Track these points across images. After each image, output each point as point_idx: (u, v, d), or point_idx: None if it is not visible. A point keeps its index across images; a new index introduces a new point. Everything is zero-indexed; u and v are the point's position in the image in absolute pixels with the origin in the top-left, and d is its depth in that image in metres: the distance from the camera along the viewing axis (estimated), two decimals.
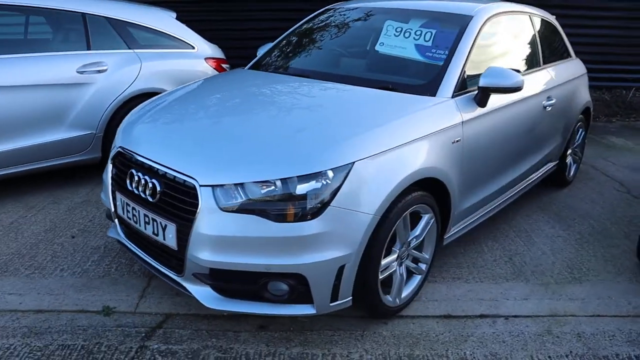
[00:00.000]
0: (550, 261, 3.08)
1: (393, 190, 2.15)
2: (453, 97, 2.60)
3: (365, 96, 2.57)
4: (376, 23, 3.20)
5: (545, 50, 3.69)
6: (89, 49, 3.83)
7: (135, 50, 4.06)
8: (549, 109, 3.44)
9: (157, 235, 2.26)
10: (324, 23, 3.45)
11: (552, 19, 4.00)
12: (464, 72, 2.71)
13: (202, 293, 2.18)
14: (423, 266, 2.60)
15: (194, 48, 4.47)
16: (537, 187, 4.19)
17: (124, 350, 2.24)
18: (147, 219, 2.29)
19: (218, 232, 2.04)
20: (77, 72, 3.70)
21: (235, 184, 2.06)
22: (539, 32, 3.64)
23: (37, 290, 2.66)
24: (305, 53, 3.28)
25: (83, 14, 3.83)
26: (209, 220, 2.05)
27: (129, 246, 2.51)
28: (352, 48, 3.21)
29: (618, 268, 3.04)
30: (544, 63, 3.60)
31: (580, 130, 4.35)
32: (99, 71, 3.81)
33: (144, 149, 2.39)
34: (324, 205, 2.02)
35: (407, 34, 3.02)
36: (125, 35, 4.04)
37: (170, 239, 2.19)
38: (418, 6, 3.19)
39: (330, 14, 3.53)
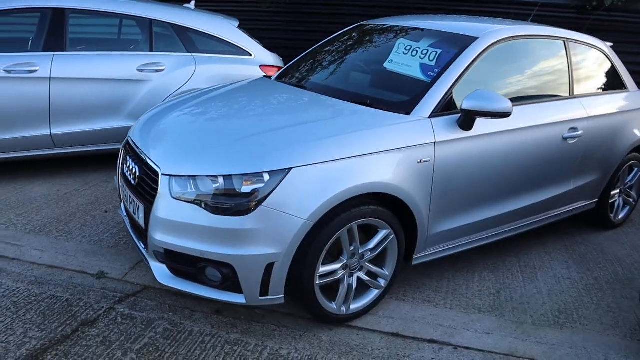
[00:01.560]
0: (540, 301, 2.87)
1: (331, 199, 2.23)
2: (431, 117, 2.59)
3: (338, 109, 2.66)
4: (394, 41, 3.25)
5: (582, 79, 3.42)
6: (151, 50, 4.36)
7: (193, 54, 4.52)
8: (572, 141, 3.19)
9: (135, 214, 2.58)
10: (349, 39, 3.58)
11: (602, 46, 3.69)
12: (451, 93, 2.67)
13: (159, 269, 2.45)
14: (382, 281, 2.61)
15: (250, 55, 4.84)
16: (575, 226, 3.88)
17: (96, 308, 2.59)
18: (130, 199, 2.63)
19: (168, 217, 2.29)
20: (137, 70, 4.24)
21: (189, 176, 2.29)
22: (575, 59, 3.39)
23: (57, 250, 3.14)
24: (320, 67, 3.43)
25: (150, 20, 4.38)
26: (163, 205, 2.31)
27: (126, 223, 2.87)
28: (364, 64, 3.29)
29: (617, 321, 2.74)
30: (576, 92, 3.34)
31: (636, 169, 3.92)
32: (157, 70, 4.32)
33: (138, 139, 2.74)
34: (258, 203, 2.17)
35: (414, 53, 3.05)
36: (186, 40, 4.52)
37: (141, 218, 2.50)
38: (434, 26, 3.18)
39: (358, 30, 3.63)
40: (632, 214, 4.13)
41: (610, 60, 3.73)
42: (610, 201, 3.80)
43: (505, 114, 2.58)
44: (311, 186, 2.22)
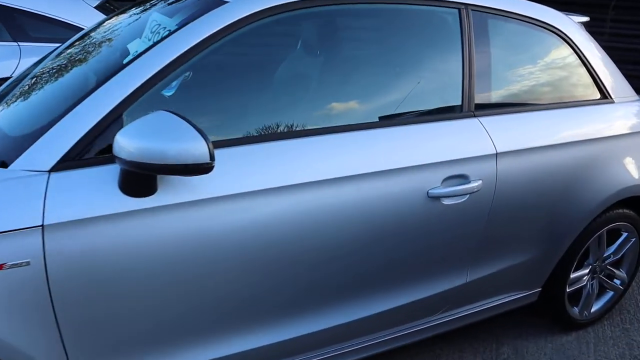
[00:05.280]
0: None
1: None
2: (57, 170, 1.27)
3: None
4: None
5: (496, 83, 1.90)
6: None
7: (20, 43, 3.43)
8: (451, 201, 1.71)
9: None
10: (107, 26, 2.23)
11: (558, 23, 2.08)
12: (121, 117, 1.34)
13: None
14: None
15: None
16: (518, 317, 2.37)
17: None
18: None
19: None
20: None
21: None
22: (481, 47, 1.85)
23: None
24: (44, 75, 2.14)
25: None
26: None
27: None
28: (109, 63, 1.98)
29: None
30: (477, 108, 1.83)
31: (625, 234, 2.32)
32: None
33: None
34: None
35: (157, 37, 1.72)
36: (12, 25, 3.43)
37: None
38: None
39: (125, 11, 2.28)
40: (620, 303, 2.53)
41: (574, 48, 2.14)
42: (569, 289, 2.26)
43: (196, 168, 1.21)
44: None
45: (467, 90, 1.81)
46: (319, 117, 1.58)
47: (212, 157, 1.21)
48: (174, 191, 1.32)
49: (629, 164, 2.19)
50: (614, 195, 2.13)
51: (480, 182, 1.75)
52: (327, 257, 1.55)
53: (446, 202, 1.70)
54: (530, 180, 1.89)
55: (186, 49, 1.41)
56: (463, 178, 1.73)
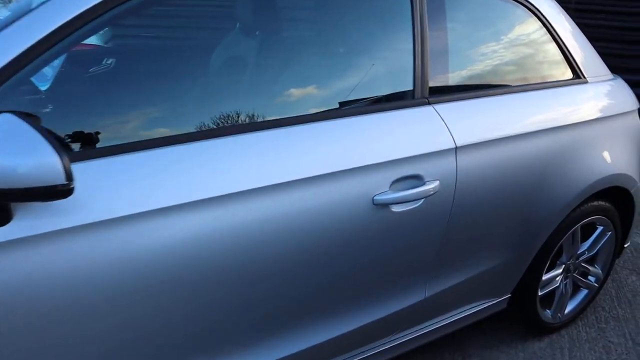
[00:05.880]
0: None
1: None
2: None
3: None
4: None
5: (456, 64, 1.63)
6: None
7: None
8: (404, 207, 1.44)
9: None
10: None
11: None
12: None
13: None
14: None
15: None
16: (493, 325, 2.15)
17: None
18: None
19: None
20: None
21: None
22: (437, 23, 1.58)
23: None
24: None
25: None
26: None
27: None
28: None
29: None
30: (431, 93, 1.56)
31: (601, 228, 2.11)
32: None
33: None
34: None
35: None
36: None
37: None
38: None
39: None
40: (595, 300, 2.34)
41: (543, 22, 1.89)
42: (541, 292, 2.04)
43: (44, 192, 0.91)
44: None
45: (419, 73, 1.53)
46: (237, 111, 1.29)
47: (68, 177, 0.90)
48: (36, 218, 1.01)
49: (606, 151, 1.96)
50: (590, 187, 1.90)
51: (437, 183, 1.49)
52: (250, 281, 1.27)
53: (396, 209, 1.43)
54: (496, 176, 1.63)
55: (48, 31, 1.08)
56: (416, 179, 1.46)
